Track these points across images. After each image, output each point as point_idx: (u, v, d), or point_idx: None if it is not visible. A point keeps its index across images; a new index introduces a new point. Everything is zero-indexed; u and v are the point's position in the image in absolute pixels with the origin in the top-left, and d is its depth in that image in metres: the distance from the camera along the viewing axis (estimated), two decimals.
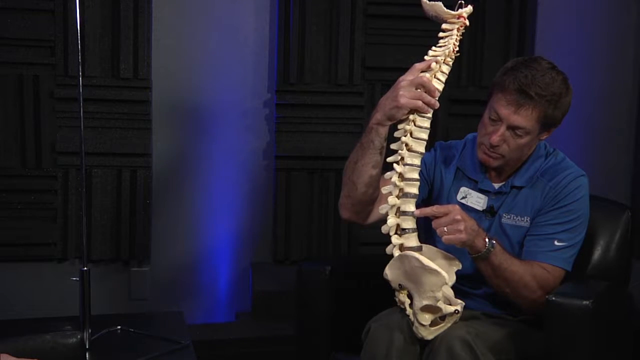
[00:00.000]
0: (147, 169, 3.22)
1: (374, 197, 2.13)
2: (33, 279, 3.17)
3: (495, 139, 2.10)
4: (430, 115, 2.00)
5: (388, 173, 2.00)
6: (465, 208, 2.22)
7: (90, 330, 2.27)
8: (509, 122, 2.08)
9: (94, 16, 3.10)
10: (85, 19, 3.05)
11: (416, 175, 1.97)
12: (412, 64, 2.04)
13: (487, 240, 2.01)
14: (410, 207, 1.97)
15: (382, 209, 2.01)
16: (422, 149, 1.99)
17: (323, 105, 3.33)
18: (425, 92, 1.98)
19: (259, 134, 3.36)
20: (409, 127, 2.00)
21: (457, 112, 3.42)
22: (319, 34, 3.30)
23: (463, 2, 1.99)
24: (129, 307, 3.21)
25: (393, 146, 2.01)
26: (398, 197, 1.98)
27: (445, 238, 1.97)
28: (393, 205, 1.98)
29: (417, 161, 1.98)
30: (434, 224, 1.98)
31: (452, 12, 1.99)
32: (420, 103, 1.97)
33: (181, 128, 3.28)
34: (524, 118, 2.07)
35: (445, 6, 1.99)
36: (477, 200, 2.23)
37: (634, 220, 2.38)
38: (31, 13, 3.05)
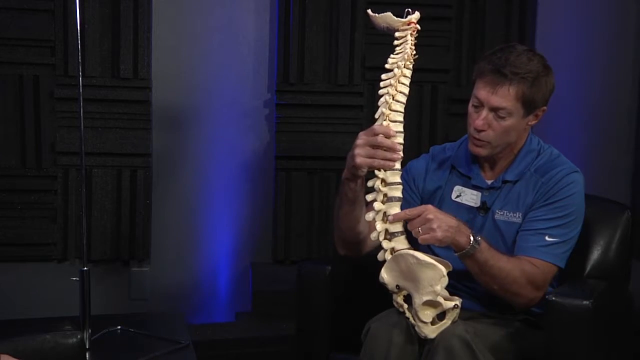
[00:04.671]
0: (147, 169, 3.22)
1: (362, 236, 2.17)
2: (33, 279, 3.17)
3: (478, 122, 2.12)
4: (401, 120, 2.02)
5: (370, 181, 2.03)
6: (461, 206, 2.24)
7: (90, 330, 2.28)
8: (489, 104, 2.11)
9: (94, 16, 3.10)
10: (85, 19, 3.05)
11: (398, 179, 2.00)
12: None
13: (471, 237, 2.01)
14: (396, 210, 2.00)
15: (368, 216, 2.03)
16: (400, 153, 2.01)
17: (323, 105, 3.33)
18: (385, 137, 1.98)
19: (259, 134, 3.36)
20: None
21: (456, 112, 3.42)
22: (319, 34, 3.30)
23: (410, 10, 2.05)
24: (129, 307, 3.21)
25: None
26: (383, 202, 2.00)
27: (420, 238, 1.98)
28: (379, 211, 2.00)
29: (398, 165, 2.00)
30: (409, 226, 2.00)
31: (402, 20, 2.04)
32: (375, 162, 1.99)
33: (181, 128, 3.28)
34: (502, 98, 2.09)
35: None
36: (471, 197, 2.24)
37: (634, 220, 2.38)
38: (31, 13, 3.05)
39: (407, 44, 2.03)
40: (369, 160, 1.99)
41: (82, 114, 2.29)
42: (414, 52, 2.03)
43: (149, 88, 3.18)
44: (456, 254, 2.02)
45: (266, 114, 3.35)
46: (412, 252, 1.94)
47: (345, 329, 2.30)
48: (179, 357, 2.28)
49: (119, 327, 2.44)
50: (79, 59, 2.32)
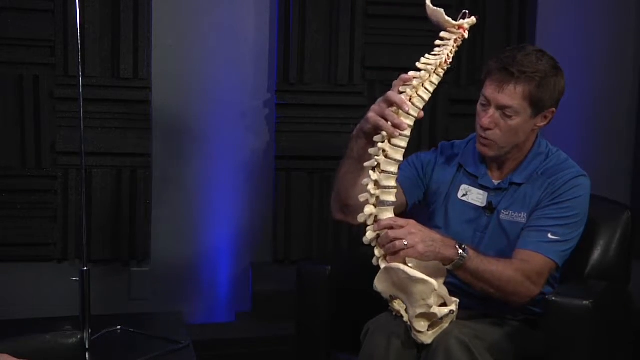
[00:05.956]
0: (147, 169, 3.22)
1: (358, 203, 2.07)
2: (33, 279, 3.17)
3: (485, 120, 2.11)
4: (410, 124, 1.92)
5: (364, 180, 1.96)
6: (466, 205, 2.23)
7: (90, 330, 2.28)
8: (496, 102, 2.10)
9: (94, 16, 3.10)
10: (85, 19, 3.05)
11: (393, 183, 1.92)
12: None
13: (458, 248, 1.98)
14: (389, 214, 1.94)
15: (360, 217, 1.97)
16: (399, 157, 1.92)
17: (323, 105, 3.33)
18: (397, 108, 1.92)
19: (259, 134, 3.36)
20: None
21: (457, 112, 3.43)
22: (319, 34, 3.30)
23: (467, 12, 1.93)
24: (129, 307, 3.21)
25: (371, 151, 1.96)
26: (374, 205, 1.94)
27: (402, 253, 1.92)
28: (370, 215, 1.94)
29: (394, 169, 1.91)
30: (390, 233, 1.92)
31: (453, 22, 1.92)
32: (382, 122, 1.91)
33: (181, 128, 3.28)
34: (508, 96, 2.08)
35: (447, 14, 1.92)
36: (477, 197, 2.23)
37: (634, 220, 2.38)
38: (31, 13, 3.04)
39: (446, 49, 1.92)
40: (376, 119, 1.92)
41: (82, 114, 2.30)
42: (450, 60, 1.92)
43: (149, 88, 3.18)
44: (446, 267, 1.99)
45: (266, 114, 3.35)
46: (402, 267, 1.89)
47: (345, 329, 2.30)
48: (179, 357, 2.28)
49: (119, 327, 2.44)
50: (79, 59, 2.32)
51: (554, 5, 3.52)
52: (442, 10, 1.91)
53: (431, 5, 1.92)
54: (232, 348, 3.15)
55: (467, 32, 1.93)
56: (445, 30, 1.94)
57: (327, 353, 2.34)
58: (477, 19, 1.94)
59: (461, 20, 1.93)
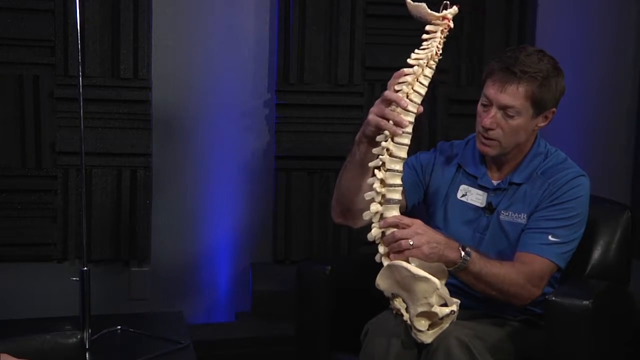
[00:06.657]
0: (147, 169, 3.22)
1: (359, 207, 2.09)
2: (33, 279, 3.17)
3: (487, 121, 2.11)
4: (411, 121, 1.93)
5: (370, 179, 1.96)
6: (466, 206, 2.23)
7: (90, 330, 2.28)
8: (497, 102, 2.09)
9: (94, 16, 3.10)
10: (85, 19, 3.05)
11: (398, 181, 1.93)
12: None
13: (461, 250, 1.97)
14: (394, 213, 1.94)
15: (366, 215, 1.97)
16: (404, 154, 1.92)
17: (323, 105, 3.33)
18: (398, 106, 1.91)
19: (259, 134, 3.36)
20: None
21: (456, 112, 3.43)
22: (319, 34, 3.30)
23: (448, 2, 1.94)
24: (129, 307, 3.21)
25: (375, 151, 1.96)
26: (381, 203, 1.94)
27: (406, 253, 1.92)
28: (376, 212, 1.95)
29: (399, 167, 1.92)
30: (396, 233, 1.92)
31: (436, 14, 1.93)
32: (383, 122, 1.92)
33: (181, 128, 3.28)
34: (511, 96, 2.08)
35: (430, 8, 1.93)
36: (476, 197, 2.23)
37: (634, 220, 2.38)
38: (31, 13, 3.05)
39: (434, 42, 1.92)
40: (377, 119, 1.92)
41: (82, 114, 2.30)
42: (440, 51, 1.92)
43: (149, 88, 3.18)
44: (449, 269, 1.98)
45: (266, 114, 3.35)
46: (405, 264, 1.89)
47: (345, 329, 2.30)
48: (179, 357, 2.28)
49: (119, 327, 2.45)
50: (79, 59, 2.32)
51: (554, 5, 3.52)
52: (424, 5, 1.93)
53: (411, 2, 1.93)
54: (232, 348, 3.15)
55: (451, 21, 1.94)
56: (430, 24, 1.95)
57: (327, 353, 2.33)
58: (458, 8, 1.94)
59: (444, 11, 1.94)
